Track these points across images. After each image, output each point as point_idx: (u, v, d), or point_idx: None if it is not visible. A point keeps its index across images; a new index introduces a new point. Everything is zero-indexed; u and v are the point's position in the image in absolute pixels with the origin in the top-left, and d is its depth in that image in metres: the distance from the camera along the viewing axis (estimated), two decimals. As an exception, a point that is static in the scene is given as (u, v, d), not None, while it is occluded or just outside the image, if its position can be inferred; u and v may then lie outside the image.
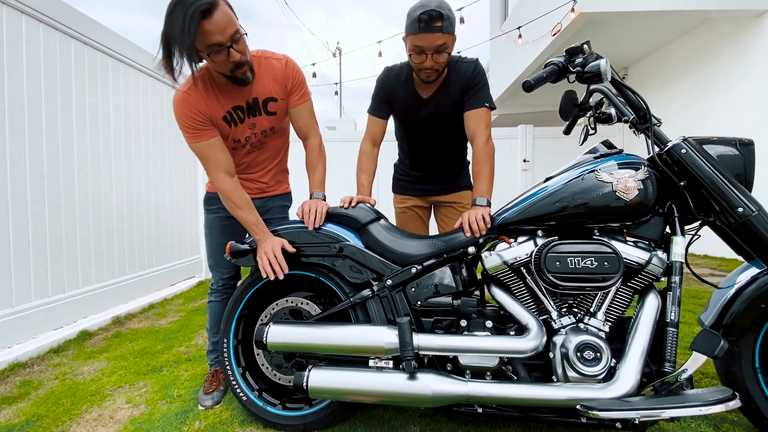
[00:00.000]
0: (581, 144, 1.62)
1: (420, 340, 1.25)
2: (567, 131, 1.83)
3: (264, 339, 1.34)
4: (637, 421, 1.15)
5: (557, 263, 1.22)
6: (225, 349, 1.56)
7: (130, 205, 3.21)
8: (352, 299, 1.43)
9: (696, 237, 1.35)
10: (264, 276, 1.43)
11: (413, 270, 1.38)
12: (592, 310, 1.28)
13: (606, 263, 1.19)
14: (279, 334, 1.33)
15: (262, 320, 1.57)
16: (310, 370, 1.28)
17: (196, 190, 4.21)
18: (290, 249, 1.45)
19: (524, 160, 6.46)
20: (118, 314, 2.92)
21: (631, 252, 1.23)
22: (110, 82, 3.00)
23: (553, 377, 1.23)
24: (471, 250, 1.42)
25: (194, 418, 1.59)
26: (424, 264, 1.39)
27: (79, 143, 2.70)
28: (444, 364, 1.35)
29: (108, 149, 2.98)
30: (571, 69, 1.29)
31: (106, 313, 2.89)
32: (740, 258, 1.36)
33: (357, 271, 1.44)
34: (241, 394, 1.51)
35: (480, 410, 1.25)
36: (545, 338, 1.23)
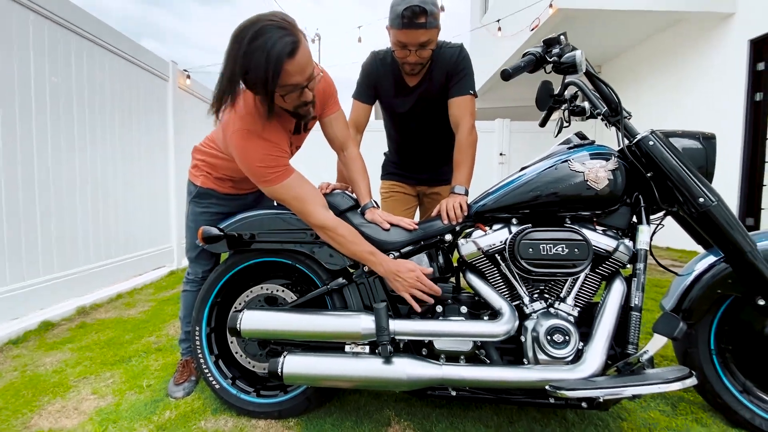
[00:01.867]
0: (556, 136, 1.66)
1: (396, 325, 1.26)
2: (542, 123, 1.87)
3: (237, 326, 1.32)
4: (601, 399, 1.21)
5: (530, 250, 1.25)
6: (197, 337, 1.53)
7: (95, 191, 3.07)
8: (328, 286, 1.42)
9: (660, 226, 1.41)
10: (421, 307, 1.34)
11: (391, 257, 1.38)
12: (562, 295, 1.33)
13: (576, 250, 1.24)
14: (253, 320, 1.32)
15: (236, 308, 1.54)
16: (285, 357, 1.28)
17: (166, 177, 4.07)
18: (428, 270, 1.34)
19: (501, 154, 6.58)
20: (83, 304, 2.81)
21: (600, 240, 1.28)
22: (73, 61, 2.84)
23: (524, 360, 1.28)
24: (448, 237, 1.44)
25: (164, 408, 1.55)
26: (402, 251, 1.40)
27: (38, 124, 2.55)
28: (419, 349, 1.37)
29: (70, 131, 2.82)
30: (548, 59, 1.32)
31: (69, 303, 2.77)
32: (699, 248, 1.44)
33: (334, 257, 1.44)
34: (213, 382, 1.49)
35: (453, 393, 1.29)
36: (517, 323, 1.26)
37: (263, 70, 1.04)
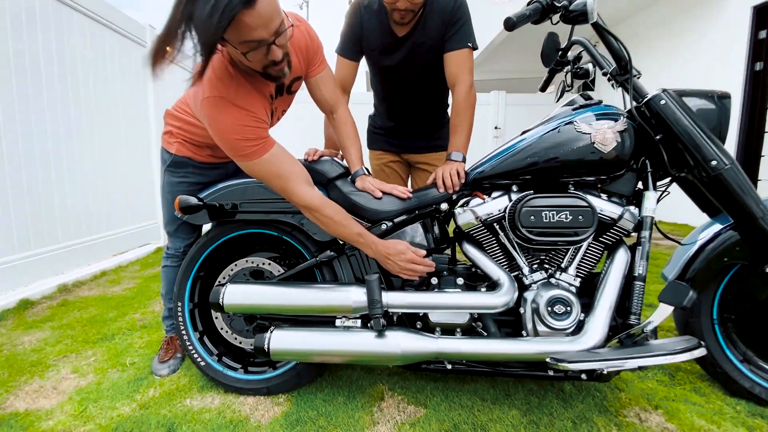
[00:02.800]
0: (557, 101, 1.56)
1: (389, 297, 1.19)
2: (543, 88, 1.77)
3: (220, 300, 1.24)
4: (604, 372, 1.17)
5: (532, 217, 1.18)
6: (180, 313, 1.45)
7: (71, 163, 2.91)
8: (317, 258, 1.34)
9: (665, 194, 1.34)
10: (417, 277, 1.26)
11: (383, 227, 1.30)
12: (563, 265, 1.26)
13: (580, 217, 1.16)
14: (237, 294, 1.24)
15: (220, 282, 1.46)
16: (271, 332, 1.21)
17: (148, 150, 3.89)
18: (420, 252, 1.25)
19: (495, 127, 6.45)
20: (65, 282, 2.70)
21: (604, 206, 1.21)
22: (39, 24, 2.62)
23: (523, 332, 1.22)
24: (444, 206, 1.35)
25: (148, 386, 1.49)
26: (395, 220, 1.32)
27: (4, 93, 2.36)
28: (413, 322, 1.31)
29: (40, 100, 2.64)
30: (557, 5, 1.20)
31: (50, 281, 2.66)
32: (691, 221, 1.37)
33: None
34: (198, 360, 1.42)
35: (449, 366, 1.23)
36: (517, 294, 1.20)
37: (206, 14, 0.85)
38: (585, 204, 1.16)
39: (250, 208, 1.37)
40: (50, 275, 2.70)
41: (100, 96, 3.23)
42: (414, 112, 1.75)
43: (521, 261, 1.28)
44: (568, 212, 1.17)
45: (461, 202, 1.35)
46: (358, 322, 1.22)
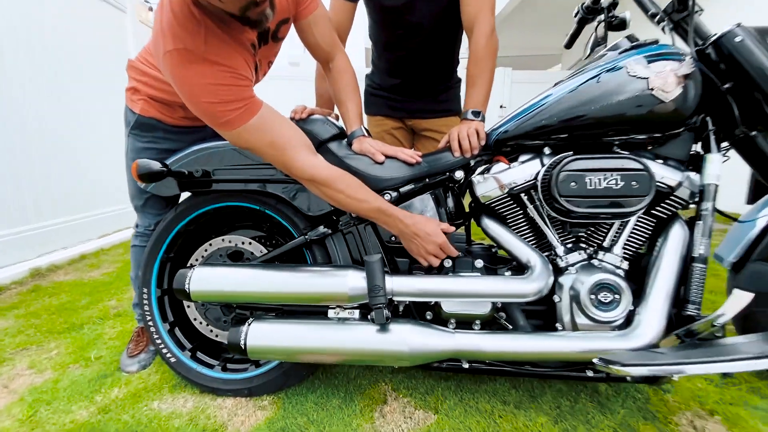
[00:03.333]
0: (586, 58, 1.31)
1: (394, 283, 0.96)
2: (569, 44, 1.51)
3: (186, 286, 1.01)
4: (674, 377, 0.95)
5: (573, 184, 0.94)
6: (146, 301, 1.22)
7: (43, 138, 2.64)
8: (307, 236, 1.11)
9: (725, 159, 1.10)
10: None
11: (387, 197, 1.06)
12: (605, 244, 1.03)
13: (634, 183, 0.93)
14: (207, 279, 1.01)
15: (192, 265, 1.22)
16: (249, 325, 0.98)
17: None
18: (450, 229, 1.04)
19: (501, 107, 6.14)
20: (38, 266, 2.47)
21: (662, 171, 0.97)
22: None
23: (557, 325, 1.00)
24: (459, 175, 1.11)
25: (113, 385, 1.28)
26: (401, 190, 1.08)
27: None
28: (423, 313, 1.08)
29: (10, 70, 2.36)
30: None
31: (22, 265, 2.43)
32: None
33: (313, 200, 1.11)
34: (168, 355, 1.20)
35: (466, 366, 1.01)
36: (552, 278, 0.97)
37: None
38: (640, 166, 0.92)
39: (225, 176, 1.13)
40: (22, 259, 2.47)
41: (77, 66, 2.94)
42: (420, 66, 1.48)
43: (554, 239, 1.04)
44: (618, 177, 0.93)
45: (480, 169, 1.11)
46: (356, 314, 0.99)
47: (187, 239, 1.25)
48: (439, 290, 0.95)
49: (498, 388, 1.20)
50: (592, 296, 0.94)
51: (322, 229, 1.10)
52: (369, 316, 0.93)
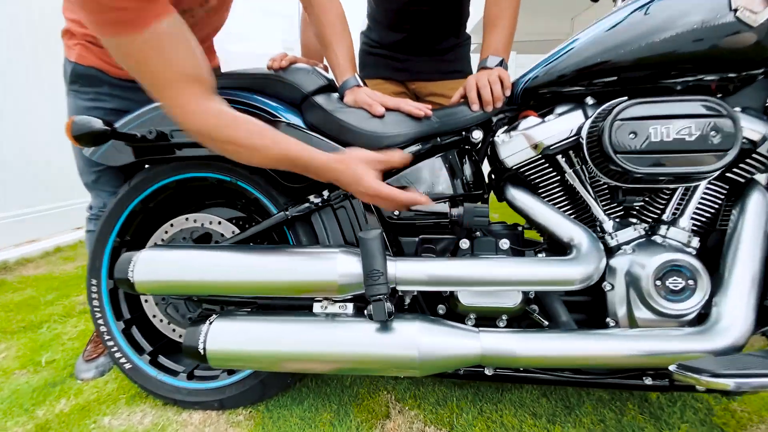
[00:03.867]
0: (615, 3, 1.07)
1: (398, 268, 0.73)
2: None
3: (129, 275, 0.78)
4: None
5: (631, 136, 0.71)
6: (95, 295, 1.00)
7: (24, 116, 2.40)
8: (288, 212, 0.87)
9: None
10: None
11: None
12: (665, 216, 0.80)
13: (714, 133, 0.70)
14: (156, 265, 0.78)
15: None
16: (211, 323, 0.75)
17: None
18: (420, 200, 0.75)
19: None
20: (5, 259, 2.25)
21: (745, 122, 0.74)
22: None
23: (608, 320, 0.77)
24: (477, 135, 0.88)
25: (61, 395, 1.06)
26: (405, 151, 0.84)
27: None
28: (434, 307, 0.86)
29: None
30: None
31: (-12, 258, 2.21)
32: None
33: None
34: (122, 360, 0.98)
35: (490, 373, 0.79)
36: (605, 259, 0.75)
37: None
38: (722, 111, 0.69)
39: (185, 139, 0.90)
40: (-13, 250, 2.25)
41: (42, 36, 2.69)
42: (426, 16, 1.24)
43: (600, 212, 0.82)
44: (693, 125, 0.70)
45: (504, 128, 0.88)
46: (349, 308, 0.76)
47: (146, 220, 1.02)
48: (458, 277, 0.72)
49: (525, 397, 0.97)
50: (658, 282, 0.71)
51: (307, 203, 0.87)
52: (366, 311, 0.70)
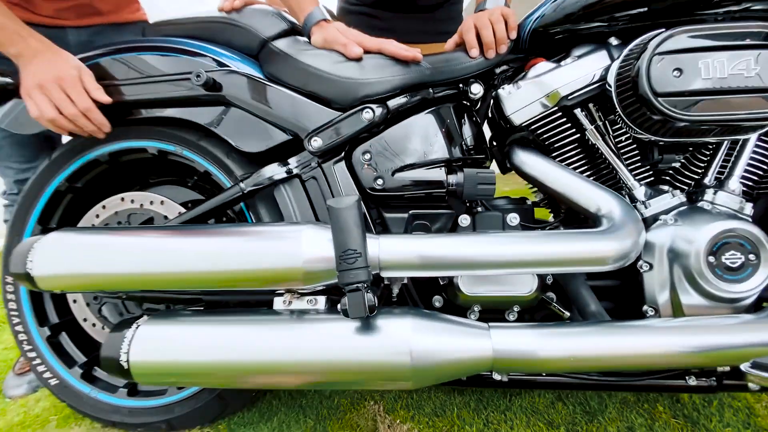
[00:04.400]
0: None
1: (383, 247, 0.55)
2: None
3: (27, 265, 0.58)
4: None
5: (676, 73, 0.55)
6: (11, 295, 0.80)
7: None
8: (244, 186, 0.69)
9: None
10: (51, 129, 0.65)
11: (366, 115, 0.65)
12: (707, 180, 0.65)
13: (779, 68, 0.54)
14: (63, 252, 0.58)
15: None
16: (138, 327, 0.57)
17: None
18: (102, 98, 0.65)
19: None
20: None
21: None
22: None
23: (645, 308, 0.62)
24: (476, 89, 0.71)
25: (-24, 420, 0.86)
26: (389, 104, 0.67)
27: None
28: (429, 298, 0.69)
29: None
30: None
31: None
32: None
33: (250, 128, 0.71)
34: (47, 375, 0.79)
35: (499, 377, 0.62)
36: (644, 233, 0.59)
37: None
38: (792, 38, 0.54)
39: (116, 96, 0.71)
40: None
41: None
42: None
43: (628, 175, 0.66)
44: (752, 58, 0.55)
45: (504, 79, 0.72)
46: (320, 302, 0.59)
47: (75, 204, 0.83)
48: (461, 257, 0.55)
49: (538, 403, 0.82)
50: (711, 259, 0.56)
51: (267, 172, 0.69)
52: (340, 306, 0.53)
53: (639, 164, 0.68)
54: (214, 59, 0.71)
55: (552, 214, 0.81)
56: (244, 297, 0.65)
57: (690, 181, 0.67)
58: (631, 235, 0.56)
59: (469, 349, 0.52)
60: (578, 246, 0.54)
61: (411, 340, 0.52)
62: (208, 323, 0.57)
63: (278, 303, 0.59)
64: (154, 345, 0.56)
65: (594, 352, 0.52)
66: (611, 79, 0.62)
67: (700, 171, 0.67)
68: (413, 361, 0.51)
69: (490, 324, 0.55)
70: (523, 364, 0.52)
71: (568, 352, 0.52)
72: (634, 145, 0.68)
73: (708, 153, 0.66)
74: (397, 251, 0.54)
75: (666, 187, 0.68)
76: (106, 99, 0.66)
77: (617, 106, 0.61)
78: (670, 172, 0.70)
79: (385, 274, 0.55)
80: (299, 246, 0.53)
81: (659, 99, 0.56)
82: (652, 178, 0.69)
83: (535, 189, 0.77)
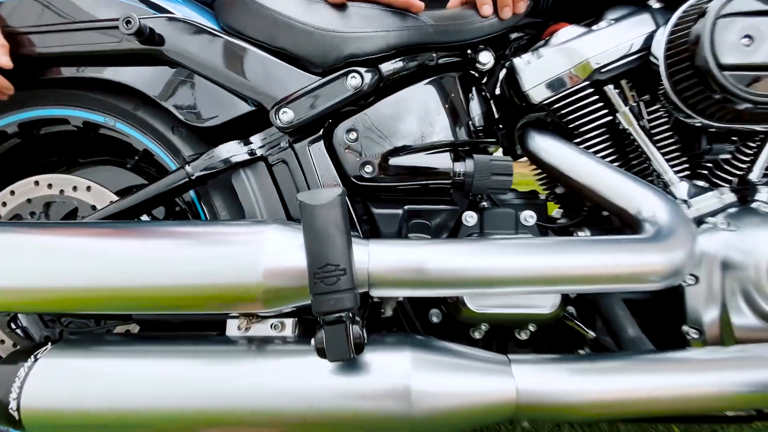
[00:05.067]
0: None
1: (378, 256, 0.41)
2: None
3: None
4: None
5: (746, 40, 0.44)
6: None
7: None
8: (190, 168, 0.52)
9: None
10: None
11: (352, 81, 0.50)
12: (753, 175, 0.54)
13: None
14: None
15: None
16: (36, 360, 0.41)
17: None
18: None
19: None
20: None
21: None
22: None
23: (686, 329, 0.51)
24: (485, 58, 0.57)
25: None
26: (382, 69, 0.52)
27: None
28: (425, 313, 0.56)
29: None
30: None
31: None
32: None
33: (201, 96, 0.54)
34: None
35: (527, 425, 0.51)
36: (697, 238, 0.47)
37: None
38: None
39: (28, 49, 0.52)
40: None
41: None
42: None
43: (666, 169, 0.54)
44: None
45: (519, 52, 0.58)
46: (288, 327, 0.44)
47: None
48: (487, 272, 0.39)
49: (541, 428, 0.71)
50: (778, 273, 0.45)
51: (223, 153, 0.53)
52: (314, 342, 0.37)
53: (676, 155, 0.57)
54: (152, 2, 0.54)
55: (561, 211, 0.70)
56: (189, 317, 0.49)
57: (731, 177, 0.57)
58: (685, 244, 0.44)
59: (486, 392, 0.39)
60: (624, 258, 0.42)
61: (411, 381, 0.38)
62: (135, 355, 0.41)
63: (232, 327, 0.44)
64: (56, 386, 0.40)
65: (647, 394, 0.40)
66: (658, 48, 0.50)
67: (744, 165, 0.56)
68: (413, 410, 0.38)
69: (511, 356, 0.43)
70: (554, 410, 0.40)
71: (611, 393, 0.40)
72: (671, 132, 0.57)
73: (754, 144, 0.55)
74: (395, 263, 0.40)
75: (702, 183, 0.57)
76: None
77: (666, 82, 0.49)
78: (709, 165, 0.59)
79: (377, 293, 0.41)
80: (259, 254, 0.38)
81: (724, 72, 0.43)
82: (688, 172, 0.58)
83: (544, 181, 0.66)
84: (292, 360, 0.40)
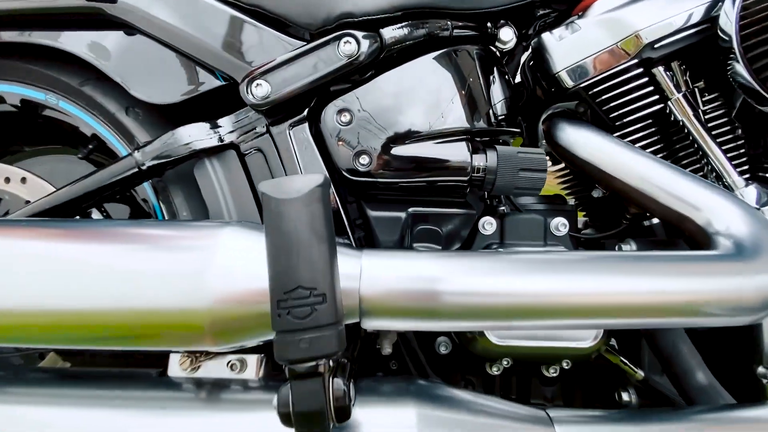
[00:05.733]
0: None
1: (373, 273, 0.30)
2: None
3: None
4: None
5: None
6: None
7: None
8: (139, 155, 0.41)
9: None
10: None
11: (346, 47, 0.39)
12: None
13: None
14: None
15: None
16: None
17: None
18: None
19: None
20: None
21: None
22: None
23: (763, 370, 0.39)
24: (506, 35, 0.47)
25: None
26: (383, 34, 0.41)
27: None
28: (431, 342, 0.44)
29: None
30: None
31: None
32: None
33: (159, 67, 0.43)
34: None
35: None
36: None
37: None
38: None
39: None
40: None
41: None
42: None
43: (729, 169, 0.44)
44: None
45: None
46: (249, 366, 0.32)
47: None
48: (523, 300, 0.28)
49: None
50: None
51: (183, 137, 0.41)
52: (277, 402, 0.25)
53: (738, 153, 0.46)
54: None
55: (585, 220, 0.59)
56: (118, 351, 0.37)
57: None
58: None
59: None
60: (707, 282, 0.31)
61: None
62: (50, 404, 0.29)
63: (174, 366, 0.32)
64: None
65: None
66: (728, 20, 0.39)
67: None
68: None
69: (549, 410, 0.31)
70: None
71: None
72: (732, 126, 0.46)
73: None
74: (396, 283, 0.28)
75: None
76: None
77: (740, 61, 0.39)
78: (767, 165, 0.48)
79: (370, 324, 0.29)
80: (206, 269, 0.27)
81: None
82: (747, 175, 0.48)
83: (572, 183, 0.55)
84: (255, 415, 0.29)
